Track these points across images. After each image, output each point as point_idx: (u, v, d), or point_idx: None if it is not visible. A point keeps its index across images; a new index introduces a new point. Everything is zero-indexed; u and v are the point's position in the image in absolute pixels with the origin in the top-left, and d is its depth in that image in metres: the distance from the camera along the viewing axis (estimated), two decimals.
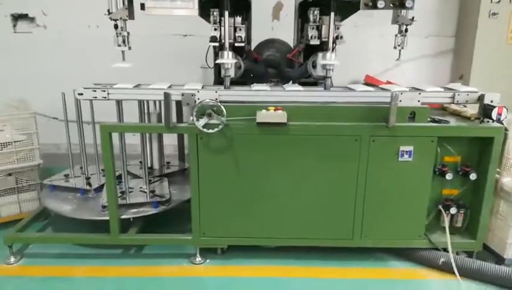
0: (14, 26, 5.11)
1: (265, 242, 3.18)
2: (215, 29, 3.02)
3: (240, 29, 3.10)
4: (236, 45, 3.12)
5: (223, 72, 3.10)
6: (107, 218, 3.10)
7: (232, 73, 3.10)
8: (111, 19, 2.94)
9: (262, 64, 3.53)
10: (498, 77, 4.62)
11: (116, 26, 2.96)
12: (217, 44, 3.06)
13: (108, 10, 2.94)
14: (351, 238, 3.06)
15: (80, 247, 3.35)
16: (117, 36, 2.98)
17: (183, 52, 5.11)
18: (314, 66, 3.27)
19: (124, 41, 3.00)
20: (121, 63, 3.07)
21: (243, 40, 3.12)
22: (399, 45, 3.21)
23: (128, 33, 3.01)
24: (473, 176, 2.90)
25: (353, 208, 3.00)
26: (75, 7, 4.95)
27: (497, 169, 2.95)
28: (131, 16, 2.97)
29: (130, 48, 3.05)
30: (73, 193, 3.63)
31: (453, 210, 2.98)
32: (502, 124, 2.85)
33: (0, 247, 3.16)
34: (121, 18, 2.94)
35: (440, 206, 3.03)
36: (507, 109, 2.81)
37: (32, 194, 3.78)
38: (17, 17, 5.09)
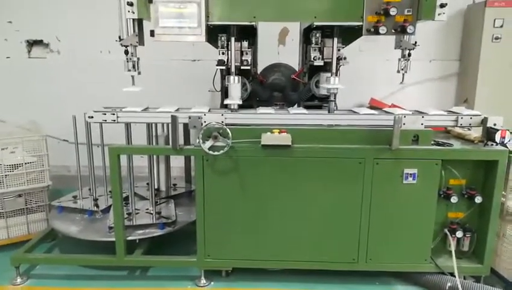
0: (29, 51, 5.29)
1: (270, 265, 3.17)
2: (223, 53, 3.13)
3: (247, 53, 3.19)
4: (242, 68, 3.21)
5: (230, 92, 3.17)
6: (114, 239, 3.13)
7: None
8: (122, 45, 3.05)
9: (267, 87, 3.61)
10: (503, 100, 4.65)
11: (126, 52, 3.06)
12: (224, 67, 3.16)
13: (120, 36, 3.05)
14: (356, 261, 3.05)
15: (86, 268, 3.37)
16: (127, 61, 3.08)
17: (191, 77, 5.23)
18: (317, 86, 3.34)
19: (134, 67, 3.09)
20: (131, 87, 3.16)
21: (249, 63, 3.21)
22: (402, 69, 3.27)
23: (138, 58, 3.11)
24: (478, 199, 2.90)
25: (358, 231, 3.00)
26: (88, 33, 5.12)
27: (503, 192, 2.94)
28: (141, 42, 3.09)
29: (139, 73, 3.14)
30: (81, 214, 3.68)
31: (459, 234, 2.96)
32: (506, 147, 2.86)
33: (8, 268, 3.19)
34: (131, 44, 3.04)
35: (446, 230, 3.01)
36: (511, 132, 2.83)
37: (40, 215, 3.83)
38: (32, 43, 5.28)
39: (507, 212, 2.99)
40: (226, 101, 3.18)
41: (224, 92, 3.53)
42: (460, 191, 2.98)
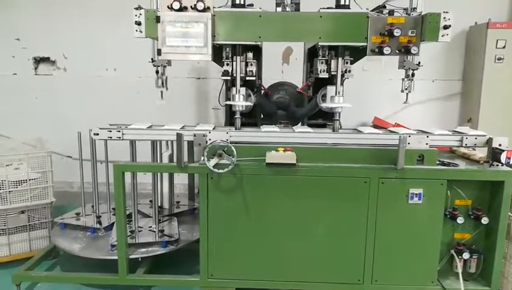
0: (36, 68, 5.36)
1: (273, 285, 3.11)
2: (227, 64, 3.14)
3: (252, 64, 3.19)
4: (247, 78, 3.21)
5: (234, 108, 3.19)
6: (116, 257, 3.10)
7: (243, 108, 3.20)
8: (154, 65, 3.25)
9: (272, 101, 3.61)
10: (506, 120, 4.66)
11: (157, 72, 3.28)
12: (228, 78, 3.17)
13: (152, 58, 3.27)
14: (361, 282, 3.00)
15: (88, 287, 3.33)
16: (158, 79, 3.30)
17: (196, 94, 5.28)
18: (323, 100, 3.33)
19: (162, 83, 3.32)
20: (160, 100, 3.33)
21: (254, 74, 3.20)
22: (406, 89, 3.28)
23: (166, 77, 3.30)
24: (484, 220, 2.87)
25: (363, 251, 2.96)
26: (94, 51, 5.19)
27: (509, 213, 2.91)
28: (169, 62, 3.26)
29: (167, 89, 3.34)
30: (84, 232, 3.66)
31: (465, 255, 2.92)
32: None
33: (9, 285, 3.16)
34: (161, 65, 3.25)
35: (452, 251, 2.97)
36: None
37: (43, 232, 3.81)
38: (39, 60, 5.36)
39: None
40: (232, 102, 3.19)
41: (229, 109, 3.55)
42: (467, 211, 2.95)
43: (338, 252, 2.99)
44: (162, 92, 3.35)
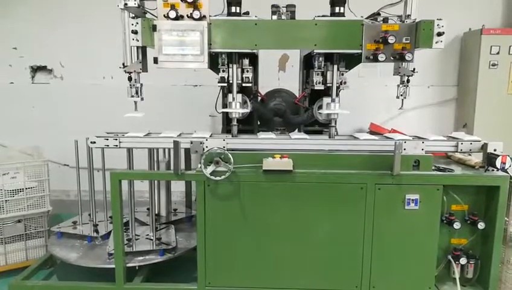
0: (33, 77, 5.36)
1: None
2: (223, 71, 3.13)
3: (248, 71, 3.18)
4: (244, 85, 3.20)
5: (230, 115, 3.19)
6: (113, 266, 3.09)
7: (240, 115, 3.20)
8: (126, 71, 3.08)
9: (269, 108, 3.62)
10: (501, 125, 4.69)
11: (130, 79, 3.09)
12: (225, 84, 3.16)
13: (123, 63, 3.09)
14: (359, 289, 3.00)
15: None
16: (131, 87, 3.11)
17: (193, 102, 5.28)
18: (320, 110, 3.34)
19: (137, 93, 3.12)
20: (133, 113, 3.18)
21: (250, 80, 3.19)
22: (401, 95, 3.30)
23: (141, 84, 3.14)
24: (481, 225, 2.88)
25: (361, 258, 2.97)
26: (91, 59, 5.20)
27: (505, 218, 2.92)
28: (144, 69, 3.12)
29: (142, 99, 3.16)
30: (81, 240, 3.64)
31: (463, 260, 2.93)
32: (507, 172, 2.86)
33: None
34: (135, 71, 3.08)
35: (449, 257, 2.98)
36: (511, 158, 2.84)
37: (39, 241, 3.79)
38: (36, 69, 5.35)
39: (510, 238, 2.97)
40: (228, 110, 3.16)
41: (226, 117, 3.56)
42: (463, 217, 2.97)
43: (335, 258, 2.99)
44: (135, 103, 3.14)
